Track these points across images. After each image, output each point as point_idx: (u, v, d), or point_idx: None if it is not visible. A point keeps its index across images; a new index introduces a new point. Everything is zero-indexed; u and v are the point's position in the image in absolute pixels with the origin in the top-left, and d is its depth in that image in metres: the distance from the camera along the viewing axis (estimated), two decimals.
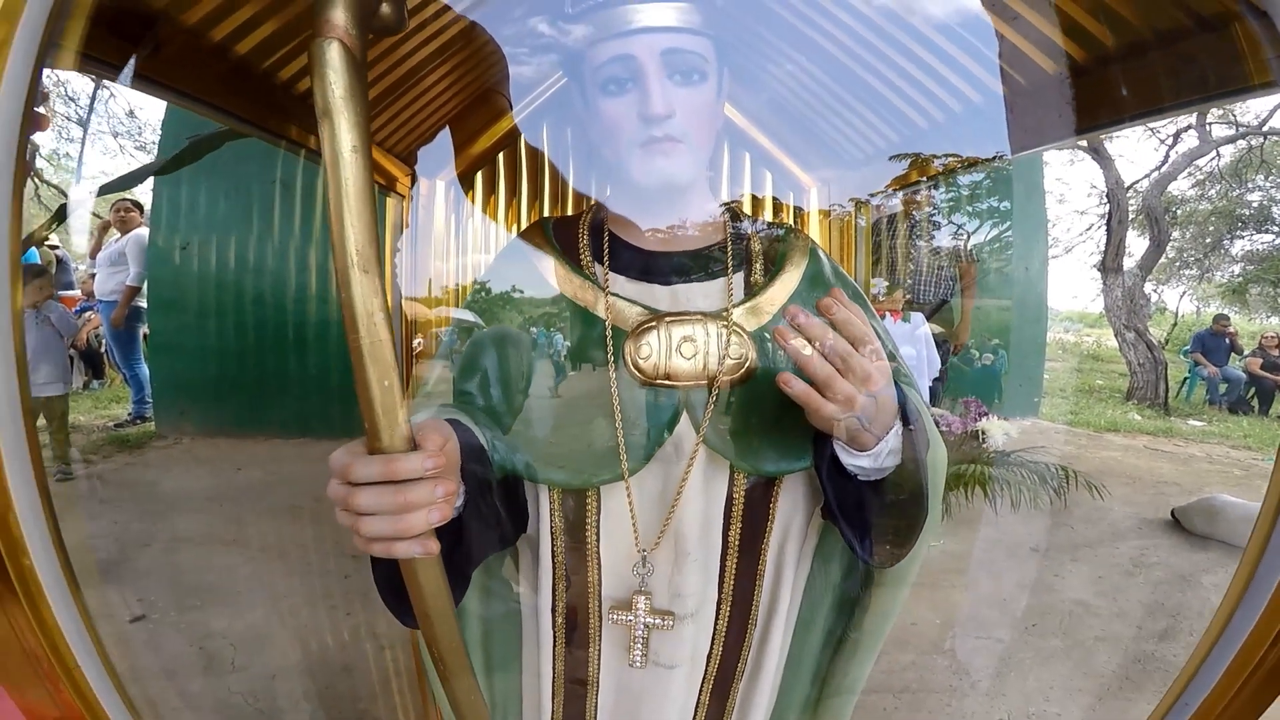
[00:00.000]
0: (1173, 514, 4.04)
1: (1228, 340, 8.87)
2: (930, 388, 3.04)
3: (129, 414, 5.69)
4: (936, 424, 2.54)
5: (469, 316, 0.87)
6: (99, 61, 0.69)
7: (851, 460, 0.67)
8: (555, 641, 0.84)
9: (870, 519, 0.72)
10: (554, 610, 0.82)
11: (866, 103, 1.17)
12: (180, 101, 0.90)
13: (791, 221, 1.37)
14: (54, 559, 0.59)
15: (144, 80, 0.82)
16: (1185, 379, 8.86)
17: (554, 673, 0.86)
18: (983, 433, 2.87)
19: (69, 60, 0.53)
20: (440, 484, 0.52)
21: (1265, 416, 8.14)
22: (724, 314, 0.75)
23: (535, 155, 1.27)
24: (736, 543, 0.78)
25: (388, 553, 0.52)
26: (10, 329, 0.49)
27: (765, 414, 0.74)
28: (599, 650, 0.83)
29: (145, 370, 5.83)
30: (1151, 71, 0.66)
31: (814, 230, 1.33)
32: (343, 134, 0.47)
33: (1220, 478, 5.12)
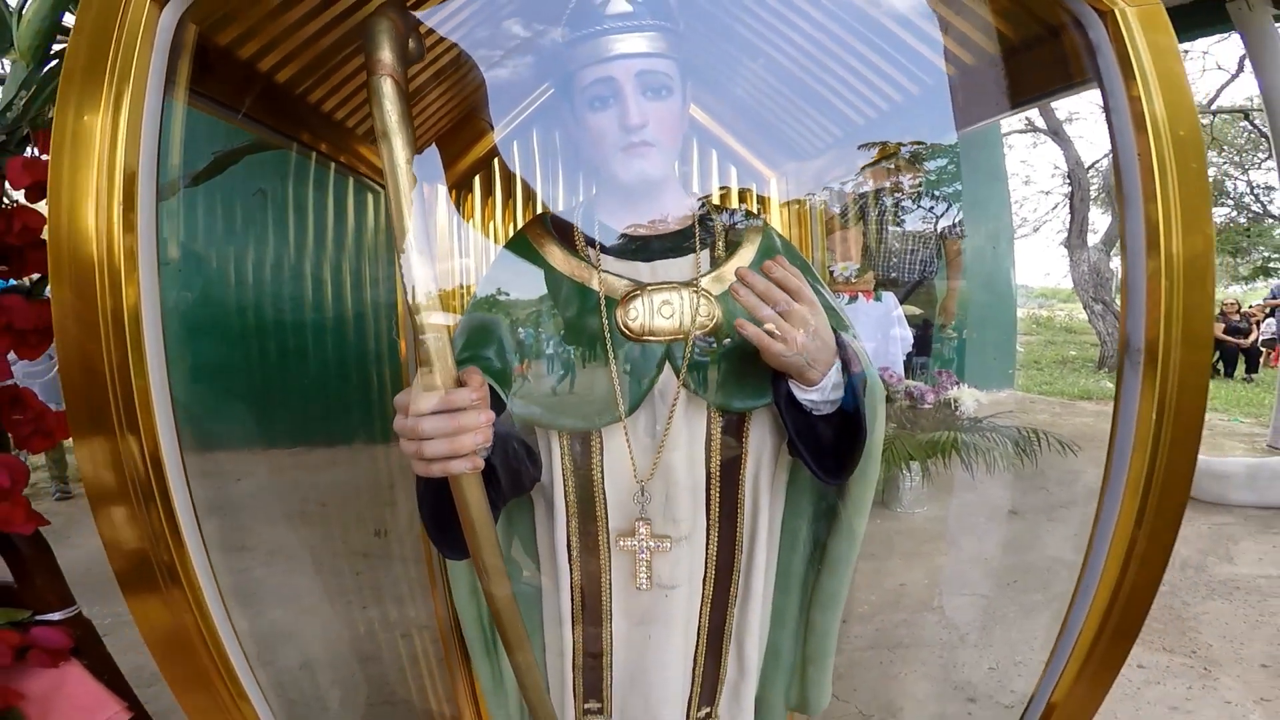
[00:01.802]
0: None
1: None
2: (904, 361, 3.18)
3: None
4: (912, 395, 2.71)
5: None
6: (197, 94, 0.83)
7: (802, 395, 0.81)
8: (571, 572, 0.95)
9: (823, 445, 0.87)
10: (569, 545, 0.94)
11: (815, 103, 1.33)
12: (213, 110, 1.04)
13: (756, 209, 1.53)
14: (203, 551, 0.74)
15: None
16: None
17: (572, 604, 0.97)
18: (955, 401, 3.03)
19: (180, 94, 0.68)
20: (482, 412, 0.67)
21: (1230, 379, 8.47)
22: (694, 282, 0.90)
23: (528, 159, 1.42)
24: (718, 472, 0.92)
25: (444, 470, 0.67)
26: (159, 332, 0.63)
27: (731, 360, 0.88)
28: (610, 579, 0.96)
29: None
30: (1027, 68, 0.83)
31: (775, 217, 1.50)
32: (398, 151, 0.62)
33: None
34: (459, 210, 1.49)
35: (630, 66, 0.86)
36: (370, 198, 1.45)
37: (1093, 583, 0.88)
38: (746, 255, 0.94)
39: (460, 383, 0.67)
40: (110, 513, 0.66)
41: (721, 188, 1.55)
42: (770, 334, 0.75)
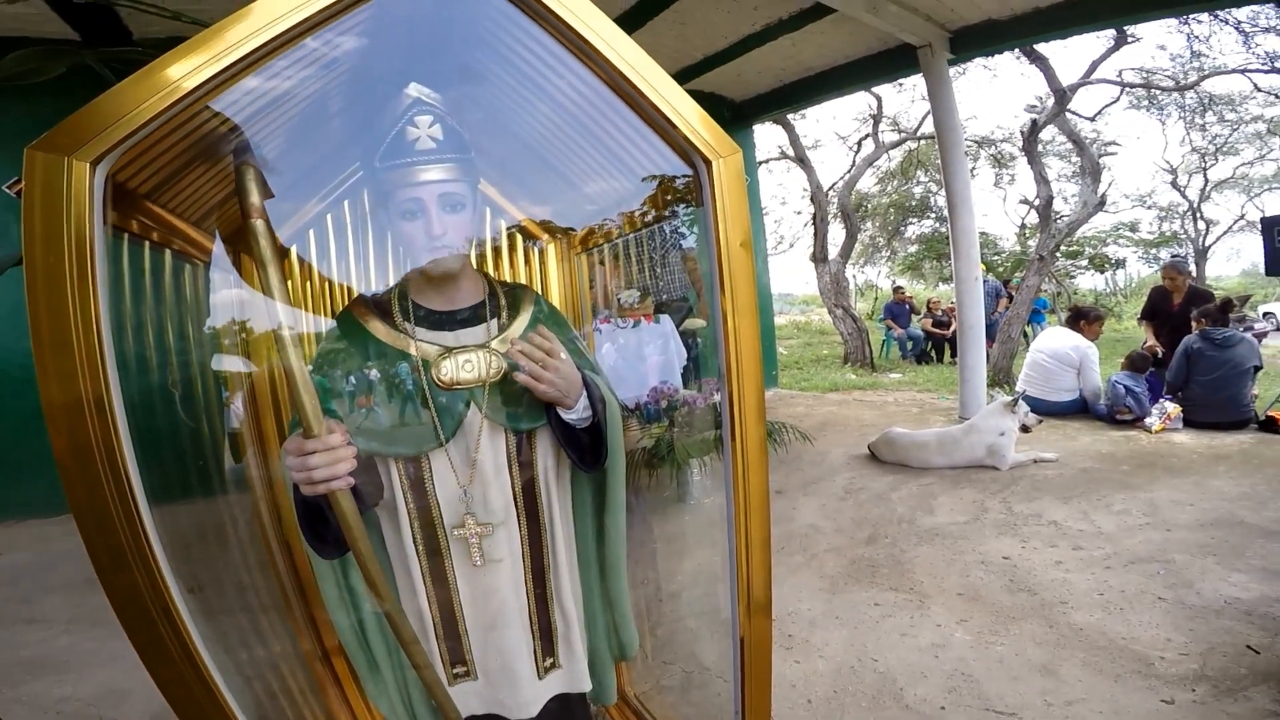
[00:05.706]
0: (869, 448, 4.99)
1: (908, 305, 11.07)
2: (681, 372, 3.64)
3: None
4: (689, 403, 3.24)
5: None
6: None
7: (565, 415, 1.16)
8: (420, 560, 1.18)
9: (583, 447, 1.22)
10: (414, 541, 1.18)
11: (580, 177, 1.68)
12: None
13: (537, 263, 1.89)
14: (182, 593, 0.89)
15: None
16: (884, 341, 10.88)
17: (426, 587, 1.19)
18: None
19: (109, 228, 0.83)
20: (348, 448, 0.96)
21: (941, 363, 10.24)
22: (487, 344, 1.18)
23: (345, 237, 1.64)
24: (518, 473, 1.21)
25: (327, 488, 0.94)
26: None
27: (516, 397, 1.17)
28: (451, 562, 1.19)
29: None
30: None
31: (553, 269, 1.86)
32: (273, 274, 0.88)
33: (903, 416, 6.35)
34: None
35: (433, 190, 1.08)
36: (188, 268, 1.56)
37: (731, 509, 1.18)
38: (522, 321, 1.23)
39: (330, 430, 0.96)
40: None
41: (510, 230, 1.82)
42: (534, 378, 1.10)
